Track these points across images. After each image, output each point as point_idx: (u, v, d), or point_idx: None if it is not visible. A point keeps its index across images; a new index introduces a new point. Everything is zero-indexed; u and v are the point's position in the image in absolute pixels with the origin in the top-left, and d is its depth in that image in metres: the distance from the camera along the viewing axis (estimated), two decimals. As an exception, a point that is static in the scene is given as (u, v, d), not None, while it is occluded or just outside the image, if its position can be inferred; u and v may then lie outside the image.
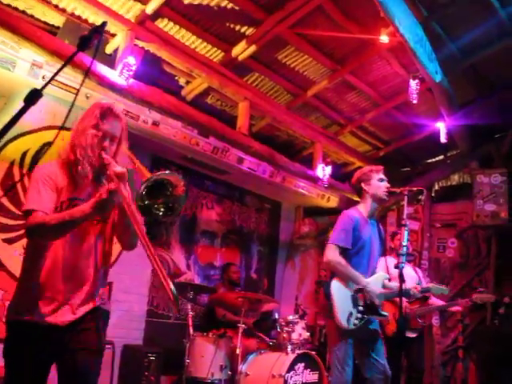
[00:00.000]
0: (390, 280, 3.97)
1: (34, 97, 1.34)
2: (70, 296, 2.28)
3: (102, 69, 4.41)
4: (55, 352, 2.28)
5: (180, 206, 2.28)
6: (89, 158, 2.30)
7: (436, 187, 8.03)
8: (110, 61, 4.68)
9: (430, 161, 8.25)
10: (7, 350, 2.28)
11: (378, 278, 3.88)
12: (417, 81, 5.70)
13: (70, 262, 2.29)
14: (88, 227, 2.35)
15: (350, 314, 3.76)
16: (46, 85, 1.38)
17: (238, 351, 4.99)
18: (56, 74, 1.42)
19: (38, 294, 2.26)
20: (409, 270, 5.33)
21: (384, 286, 3.88)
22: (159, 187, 2.24)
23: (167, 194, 2.26)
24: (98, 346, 2.34)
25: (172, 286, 2.11)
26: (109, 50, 5.03)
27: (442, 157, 8.05)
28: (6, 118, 4.25)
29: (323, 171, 6.90)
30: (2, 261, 4.15)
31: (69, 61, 1.55)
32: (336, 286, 3.85)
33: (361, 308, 3.76)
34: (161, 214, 2.26)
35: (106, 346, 4.59)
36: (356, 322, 3.74)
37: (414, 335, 5.26)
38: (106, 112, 2.40)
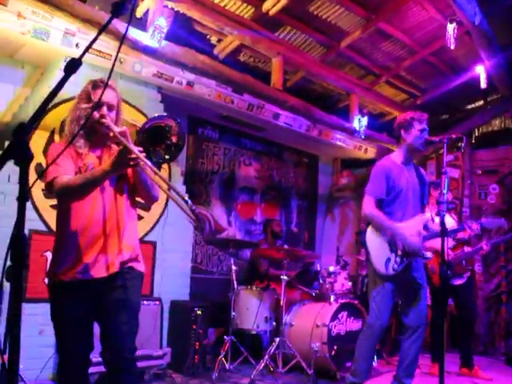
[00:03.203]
0: (433, 221, 3.95)
1: (73, 66, 1.40)
2: (99, 254, 2.41)
3: (133, 32, 4.44)
4: (92, 309, 2.43)
5: (179, 143, 2.35)
6: (83, 129, 2.46)
7: (476, 133, 7.87)
8: (141, 24, 4.70)
9: (469, 107, 8.06)
10: (52, 311, 2.45)
11: (419, 221, 3.89)
12: (454, 24, 5.52)
13: (95, 222, 2.43)
14: (106, 189, 2.49)
15: (388, 259, 3.82)
16: (84, 53, 1.44)
17: (281, 303, 5.13)
18: (93, 41, 1.46)
19: (68, 254, 2.40)
20: (448, 219, 5.31)
21: (426, 228, 3.90)
22: (156, 133, 2.32)
23: (166, 136, 2.34)
24: (129, 304, 2.43)
25: (191, 204, 2.18)
26: (139, 13, 5.04)
27: (481, 102, 7.84)
28: (44, 88, 4.37)
29: (360, 122, 6.84)
30: (51, 226, 4.33)
31: (105, 27, 1.59)
32: (371, 234, 3.94)
33: (399, 252, 3.80)
34: (166, 156, 2.36)
35: (154, 303, 4.80)
36: (395, 266, 3.79)
37: (461, 281, 5.27)
38: (98, 84, 2.55)
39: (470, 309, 5.36)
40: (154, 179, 2.38)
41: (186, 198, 2.17)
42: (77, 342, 2.43)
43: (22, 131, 1.26)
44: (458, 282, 5.24)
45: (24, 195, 1.25)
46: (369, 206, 3.88)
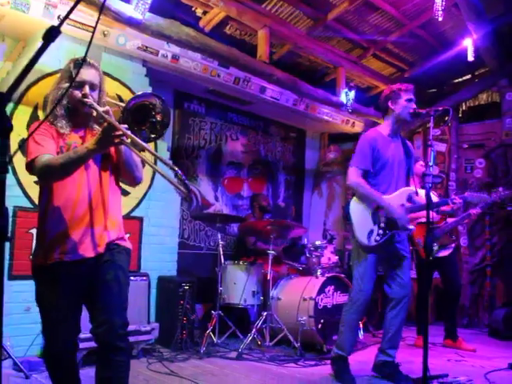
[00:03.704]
0: (417, 194, 3.97)
1: (52, 34, 1.36)
2: (84, 234, 2.38)
3: (117, 4, 4.34)
4: (79, 290, 2.39)
5: (164, 121, 2.32)
6: (64, 108, 2.44)
7: (463, 107, 7.86)
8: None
9: (456, 81, 8.02)
10: (37, 294, 2.42)
11: (402, 193, 3.91)
12: (442, -4, 5.47)
13: (79, 201, 2.39)
14: (91, 166, 2.44)
15: (371, 231, 3.85)
16: (63, 21, 1.39)
17: (268, 277, 5.17)
18: (72, 8, 1.42)
19: (53, 235, 2.37)
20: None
21: (410, 201, 3.92)
22: (140, 112, 2.28)
23: (151, 114, 2.30)
24: (118, 278, 2.40)
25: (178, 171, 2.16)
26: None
27: (469, 76, 7.82)
28: (24, 62, 4.26)
29: (347, 96, 6.80)
30: (36, 203, 4.28)
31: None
32: (355, 206, 3.97)
33: (382, 224, 3.83)
34: (151, 134, 2.32)
35: (141, 278, 4.79)
36: (377, 238, 3.83)
37: (446, 252, 5.32)
38: (79, 62, 2.46)
39: (455, 281, 5.42)
40: (141, 154, 2.33)
41: (176, 169, 2.14)
42: (63, 325, 2.39)
43: (0, 101, 1.22)
44: (443, 253, 5.29)
45: (4, 167, 1.21)
46: (353, 176, 3.90)
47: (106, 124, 2.21)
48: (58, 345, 2.41)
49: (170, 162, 2.26)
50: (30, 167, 2.35)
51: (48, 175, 2.34)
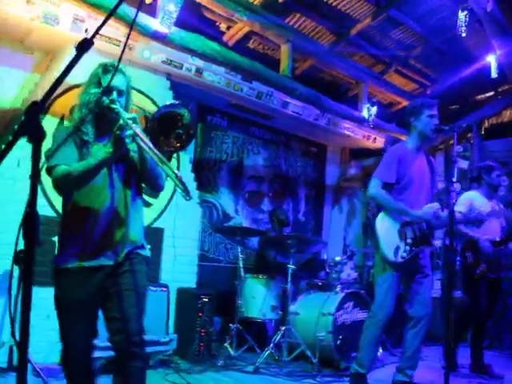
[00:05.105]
0: (442, 210, 3.92)
1: (85, 45, 1.39)
2: (105, 244, 2.39)
3: (143, 18, 4.42)
4: (97, 295, 2.40)
5: (190, 132, 2.34)
6: (91, 114, 2.42)
7: (486, 124, 7.80)
8: (151, 10, 4.67)
9: (479, 97, 7.98)
10: (56, 297, 2.43)
11: (429, 209, 3.87)
12: (466, 12, 5.47)
13: (101, 209, 2.39)
14: (113, 175, 2.45)
15: (397, 247, 3.81)
16: (96, 32, 1.42)
17: (288, 291, 5.14)
18: (105, 21, 1.44)
19: (75, 243, 2.38)
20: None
21: (436, 217, 3.88)
22: (167, 122, 2.30)
23: (177, 125, 2.32)
24: (136, 287, 2.41)
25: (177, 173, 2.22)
26: (148, -1, 5.02)
27: (492, 93, 7.77)
28: (53, 74, 4.35)
29: (369, 111, 6.79)
30: (60, 212, 4.34)
31: (116, 7, 1.57)
32: (382, 220, 3.93)
33: (409, 241, 3.79)
34: (177, 144, 2.35)
35: (161, 289, 4.80)
36: (404, 254, 3.78)
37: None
38: (108, 68, 2.47)
39: (491, 306, 5.15)
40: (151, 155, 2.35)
41: (176, 171, 2.21)
42: (80, 328, 2.41)
43: (34, 109, 1.25)
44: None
45: (36, 173, 1.24)
46: (374, 187, 3.88)
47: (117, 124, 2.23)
48: (75, 347, 2.43)
49: (170, 164, 2.27)
50: (49, 174, 2.37)
51: (66, 185, 2.35)
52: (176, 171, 2.22)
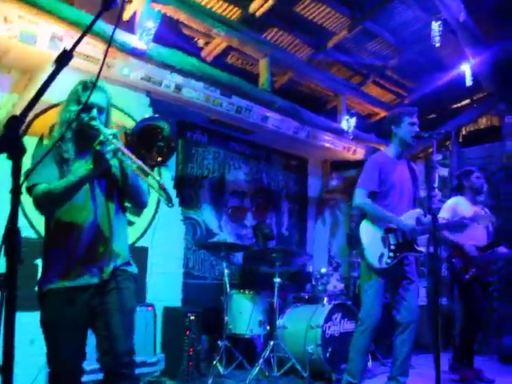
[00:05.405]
0: (425, 216, 3.94)
1: (64, 58, 1.36)
2: (90, 261, 2.36)
3: (121, 35, 4.39)
4: (84, 315, 2.36)
5: (171, 145, 2.33)
6: (71, 131, 2.41)
7: (463, 132, 7.91)
8: (129, 27, 4.65)
9: (456, 106, 8.09)
10: (42, 319, 2.38)
11: (411, 215, 3.90)
12: (439, 22, 5.56)
13: (84, 227, 2.36)
14: (96, 192, 2.43)
15: (382, 254, 3.84)
16: (75, 45, 1.40)
17: (275, 306, 5.09)
18: (85, 32, 1.44)
19: (59, 262, 2.35)
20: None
21: (419, 223, 3.91)
22: (147, 135, 2.28)
23: (158, 138, 2.31)
24: (123, 306, 2.38)
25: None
26: (126, 16, 4.99)
27: (468, 101, 7.89)
28: (32, 94, 4.30)
29: (348, 123, 6.83)
30: (41, 233, 4.26)
31: (95, 20, 1.55)
32: (365, 228, 3.97)
33: (393, 247, 3.82)
34: (158, 157, 2.34)
35: (147, 309, 4.73)
36: (388, 261, 3.82)
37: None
38: (88, 85, 2.45)
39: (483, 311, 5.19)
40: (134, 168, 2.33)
41: (158, 179, 2.24)
42: (68, 350, 2.36)
43: (13, 124, 1.22)
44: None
45: (17, 188, 1.20)
46: (360, 197, 3.92)
47: (102, 139, 2.21)
48: (63, 369, 2.37)
49: (153, 173, 2.26)
50: (29, 192, 2.33)
51: (47, 203, 2.32)
52: (158, 178, 2.23)
